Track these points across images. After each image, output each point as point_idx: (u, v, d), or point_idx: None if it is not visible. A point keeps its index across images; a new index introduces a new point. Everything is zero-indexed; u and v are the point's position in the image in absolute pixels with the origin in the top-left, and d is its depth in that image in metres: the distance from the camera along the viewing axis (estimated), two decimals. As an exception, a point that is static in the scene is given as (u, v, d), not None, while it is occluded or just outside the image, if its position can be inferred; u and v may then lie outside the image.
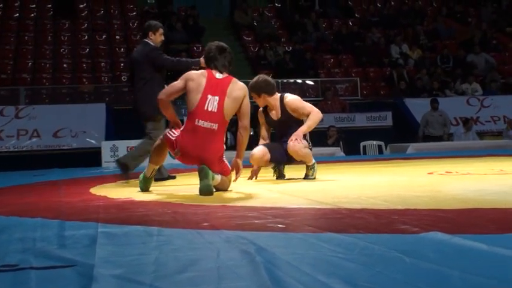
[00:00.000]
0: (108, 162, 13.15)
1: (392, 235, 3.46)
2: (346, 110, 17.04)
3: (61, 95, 17.48)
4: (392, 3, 22.49)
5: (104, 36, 19.59)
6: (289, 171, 7.75)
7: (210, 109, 6.00)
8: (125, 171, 7.89)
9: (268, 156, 7.32)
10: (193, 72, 6.30)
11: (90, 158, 13.83)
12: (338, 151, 14.29)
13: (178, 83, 6.21)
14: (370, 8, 21.93)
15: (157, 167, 6.63)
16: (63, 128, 15.18)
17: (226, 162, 6.25)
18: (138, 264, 2.94)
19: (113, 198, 5.96)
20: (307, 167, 7.38)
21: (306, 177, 7.36)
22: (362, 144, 15.29)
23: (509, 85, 18.75)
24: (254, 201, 5.33)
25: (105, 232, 3.81)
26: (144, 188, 6.47)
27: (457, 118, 16.73)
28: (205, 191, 5.85)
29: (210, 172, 5.90)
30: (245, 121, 6.20)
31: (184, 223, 4.15)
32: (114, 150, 13.28)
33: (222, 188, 6.21)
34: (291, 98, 7.46)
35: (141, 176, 6.54)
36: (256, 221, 4.10)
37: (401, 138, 16.04)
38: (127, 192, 6.53)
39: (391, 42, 20.02)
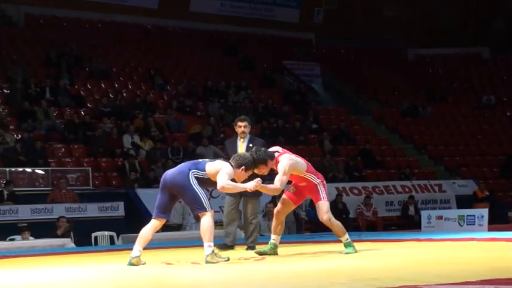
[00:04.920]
0: None
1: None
2: (77, 200, 16.72)
3: None
4: (125, 94, 22.71)
5: None
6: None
7: None
8: None
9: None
10: None
11: None
12: (68, 242, 13.90)
13: None
14: (102, 99, 21.96)
15: None
16: None
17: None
18: None
19: None
20: None
21: None
22: (93, 234, 15.04)
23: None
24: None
25: None
26: None
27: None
28: None
29: None
30: None
31: None
32: None
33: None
34: None
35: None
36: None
37: (133, 228, 15.98)
38: None
39: (123, 132, 20.13)
